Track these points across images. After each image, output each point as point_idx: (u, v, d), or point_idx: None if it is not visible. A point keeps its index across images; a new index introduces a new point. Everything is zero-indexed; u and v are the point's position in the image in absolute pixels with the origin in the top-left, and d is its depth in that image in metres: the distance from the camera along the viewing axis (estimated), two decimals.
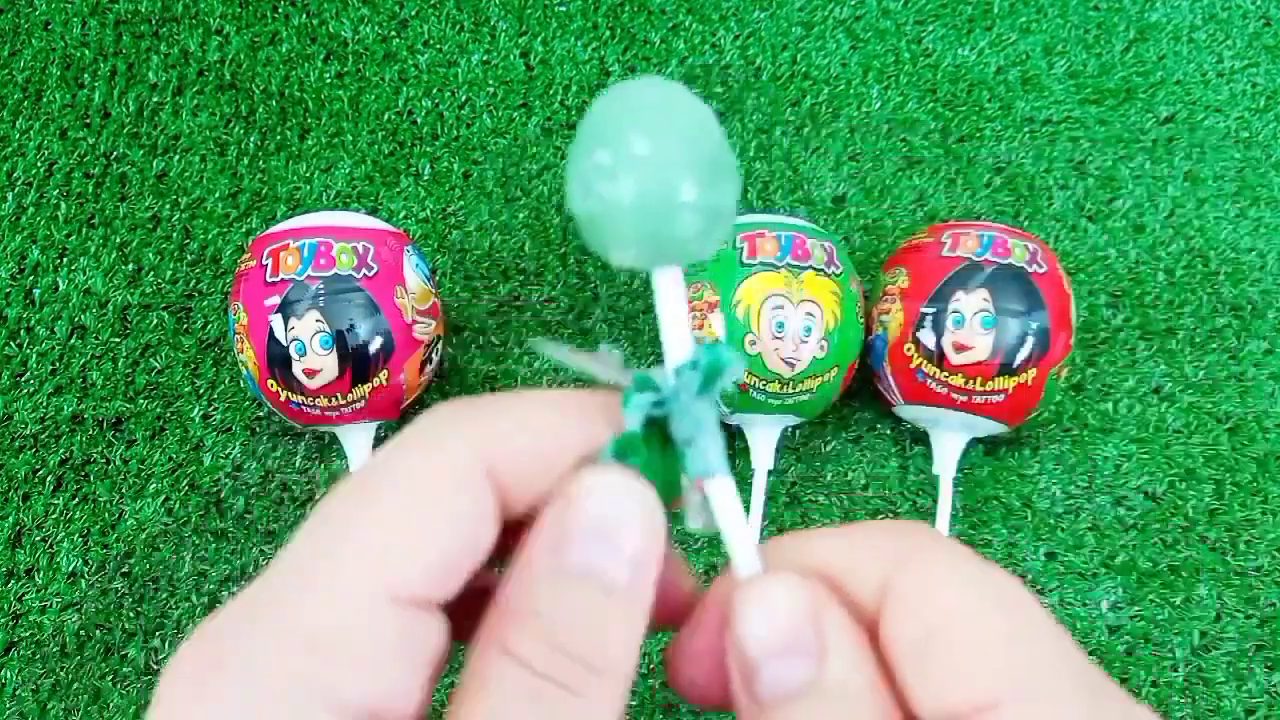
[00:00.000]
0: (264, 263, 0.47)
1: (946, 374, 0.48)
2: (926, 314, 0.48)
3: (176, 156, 0.61)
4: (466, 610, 0.17)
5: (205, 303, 0.57)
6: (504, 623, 0.16)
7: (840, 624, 0.16)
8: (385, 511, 0.16)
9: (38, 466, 0.54)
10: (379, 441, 0.53)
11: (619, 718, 0.16)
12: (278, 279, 0.47)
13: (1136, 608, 0.51)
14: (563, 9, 0.65)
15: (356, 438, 0.50)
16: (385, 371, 0.48)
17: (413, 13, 0.65)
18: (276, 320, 0.46)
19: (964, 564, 0.16)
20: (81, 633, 0.51)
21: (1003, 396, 0.48)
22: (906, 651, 0.16)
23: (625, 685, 0.17)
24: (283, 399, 0.48)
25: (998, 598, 0.16)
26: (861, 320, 0.50)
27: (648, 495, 0.17)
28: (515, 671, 0.16)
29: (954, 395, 0.48)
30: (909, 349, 0.49)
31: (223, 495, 0.53)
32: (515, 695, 0.16)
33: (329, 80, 0.63)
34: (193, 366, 0.56)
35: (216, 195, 0.60)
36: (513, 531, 0.18)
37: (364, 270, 0.47)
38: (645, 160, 0.15)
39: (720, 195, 0.16)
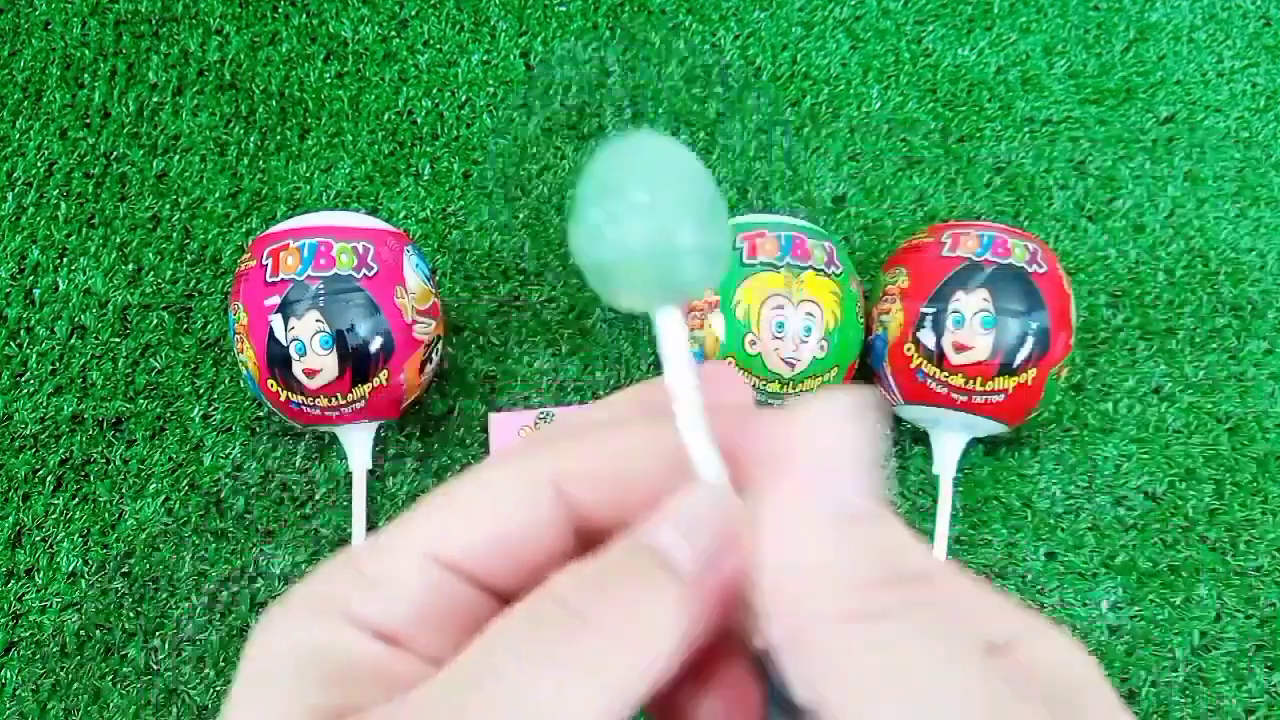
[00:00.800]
0: (264, 263, 0.47)
1: (946, 374, 0.48)
2: (926, 314, 0.48)
3: (176, 156, 0.61)
4: None
5: (205, 303, 0.57)
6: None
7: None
8: (453, 499, 0.18)
9: (38, 466, 0.54)
10: (379, 441, 0.53)
11: (631, 678, 0.16)
12: (278, 279, 0.47)
13: (1136, 608, 0.51)
14: (563, 9, 0.65)
15: (356, 438, 0.50)
16: (385, 371, 0.48)
17: (413, 13, 0.65)
18: (276, 320, 0.46)
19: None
20: (81, 633, 0.51)
21: (1003, 396, 0.48)
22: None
23: (649, 659, 0.16)
24: (283, 399, 0.48)
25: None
26: (861, 320, 0.50)
27: (736, 509, 0.18)
28: (542, 594, 0.17)
29: (954, 395, 0.48)
30: (909, 349, 0.49)
31: (223, 495, 0.53)
32: (530, 611, 0.16)
33: (329, 80, 0.63)
34: (193, 366, 0.56)
35: (216, 195, 0.60)
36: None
37: (364, 270, 0.47)
38: (650, 209, 0.17)
39: (717, 238, 0.17)
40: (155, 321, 0.57)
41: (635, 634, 0.16)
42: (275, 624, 0.18)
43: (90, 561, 0.52)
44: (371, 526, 0.52)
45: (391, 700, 0.16)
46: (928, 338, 0.48)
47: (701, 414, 0.18)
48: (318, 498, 0.53)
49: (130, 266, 0.58)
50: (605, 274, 0.17)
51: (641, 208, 0.17)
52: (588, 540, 0.19)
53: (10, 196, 0.60)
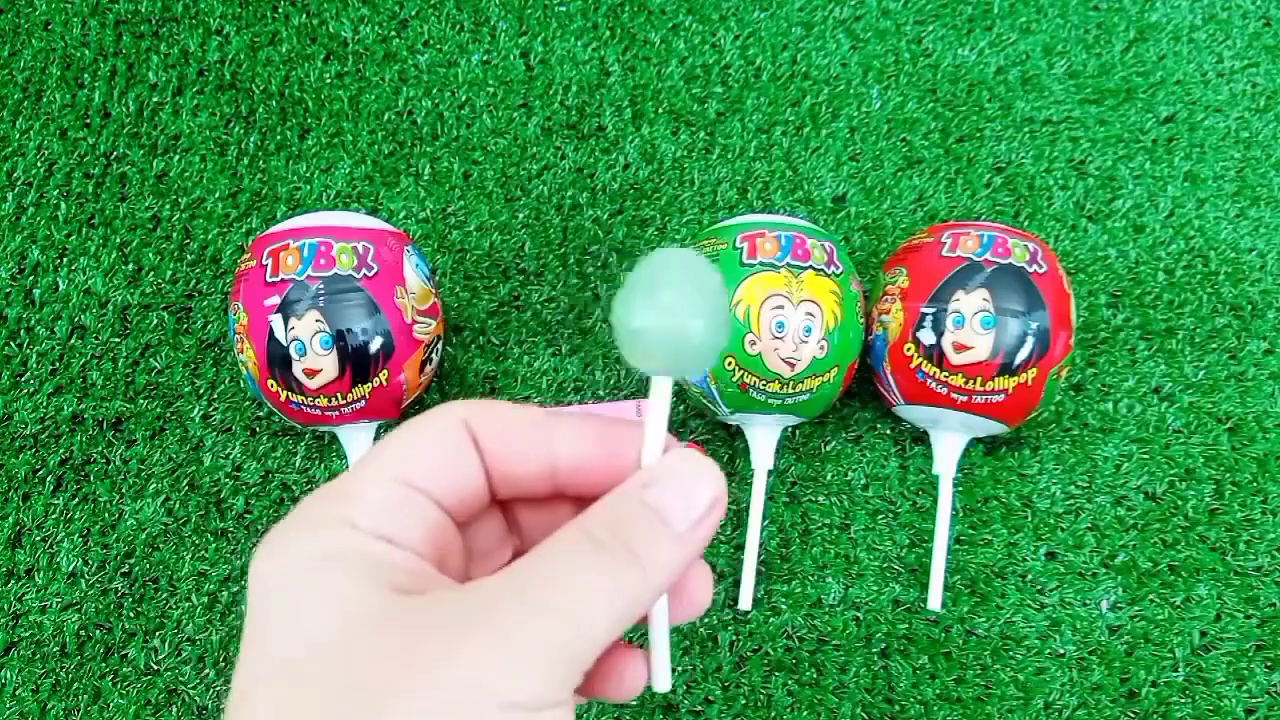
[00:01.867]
0: (264, 263, 0.47)
1: (946, 374, 0.48)
2: (926, 314, 0.48)
3: (176, 156, 0.61)
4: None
5: (205, 303, 0.57)
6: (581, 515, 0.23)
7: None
8: (399, 437, 0.23)
9: (38, 466, 0.54)
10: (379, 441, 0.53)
11: (639, 613, 0.22)
12: (278, 279, 0.47)
13: (1136, 608, 0.51)
14: (563, 9, 0.65)
15: (356, 438, 0.50)
16: (385, 371, 0.48)
17: (413, 13, 0.65)
18: (276, 320, 0.46)
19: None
20: (81, 633, 0.51)
21: (1003, 396, 0.48)
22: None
23: (654, 595, 0.22)
24: (283, 399, 0.48)
25: None
26: (861, 320, 0.50)
27: (722, 486, 0.24)
28: (575, 530, 0.22)
29: (954, 395, 0.48)
30: (909, 349, 0.49)
31: (223, 495, 0.53)
32: (569, 540, 0.22)
33: (329, 80, 0.63)
34: (193, 366, 0.56)
35: (216, 195, 0.60)
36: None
37: (364, 270, 0.47)
38: (691, 308, 0.23)
39: (722, 339, 0.24)
40: (155, 321, 0.57)
41: (643, 565, 0.22)
42: (283, 544, 0.21)
43: (90, 561, 0.52)
44: None
45: (427, 590, 0.21)
46: (928, 338, 0.48)
47: (664, 427, 0.24)
48: None
49: (130, 266, 0.58)
50: (642, 340, 0.24)
51: (686, 305, 0.23)
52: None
53: (10, 196, 0.60)
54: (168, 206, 0.59)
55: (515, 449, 0.24)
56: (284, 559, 0.21)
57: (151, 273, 0.58)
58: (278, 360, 0.47)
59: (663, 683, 0.26)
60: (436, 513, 0.23)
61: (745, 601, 0.50)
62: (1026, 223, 0.59)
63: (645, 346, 0.24)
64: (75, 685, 0.50)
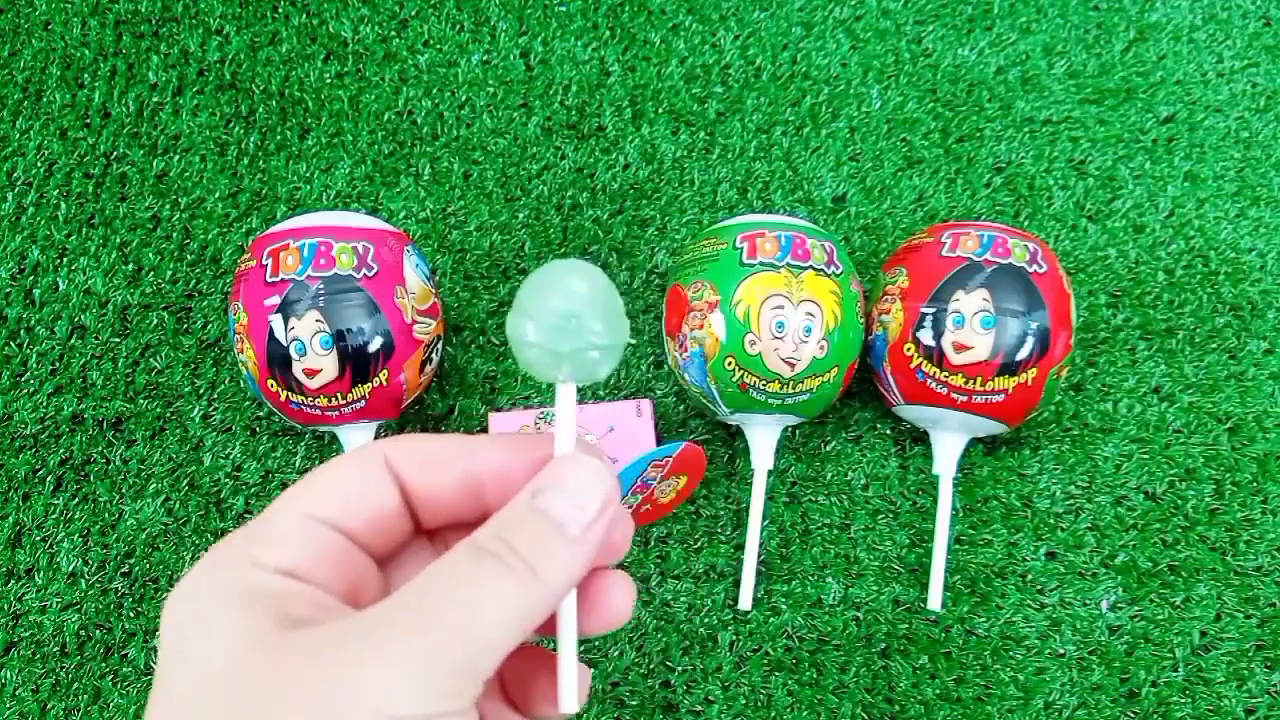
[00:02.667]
0: (264, 263, 0.47)
1: (946, 374, 0.48)
2: (926, 314, 0.48)
3: (176, 156, 0.61)
4: None
5: (205, 303, 0.57)
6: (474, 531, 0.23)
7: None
8: (315, 475, 0.24)
9: (38, 466, 0.54)
10: None
11: (536, 619, 0.22)
12: (278, 279, 0.47)
13: (1136, 608, 0.51)
14: (563, 9, 0.65)
15: (356, 437, 0.50)
16: (385, 371, 0.48)
17: (413, 13, 0.65)
18: (276, 320, 0.46)
19: None
20: (81, 633, 0.51)
21: (1003, 396, 0.48)
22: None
23: (551, 600, 0.22)
24: (283, 399, 0.48)
25: None
26: (861, 320, 0.50)
27: (613, 486, 0.24)
28: (464, 544, 0.22)
29: (954, 395, 0.48)
30: (909, 349, 0.49)
31: (223, 495, 0.53)
32: (458, 554, 0.22)
33: (329, 80, 0.63)
34: (193, 366, 0.56)
35: (216, 195, 0.60)
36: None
37: (364, 270, 0.47)
38: (583, 313, 0.24)
39: (621, 339, 0.25)
40: (155, 321, 0.57)
41: (534, 571, 0.22)
42: (189, 585, 0.22)
43: (90, 561, 0.52)
44: None
45: (327, 620, 0.21)
46: (927, 338, 0.48)
47: (572, 433, 0.25)
48: None
49: (130, 266, 0.58)
50: (529, 354, 0.24)
51: (564, 313, 0.24)
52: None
53: (10, 196, 0.60)
54: (168, 206, 0.59)
55: (435, 472, 0.24)
56: (188, 599, 0.22)
57: (151, 273, 0.58)
58: (278, 360, 0.47)
59: (569, 703, 0.25)
60: (344, 545, 0.23)
61: (745, 601, 0.50)
62: (1026, 223, 0.59)
63: (542, 357, 0.24)
64: (75, 685, 0.50)
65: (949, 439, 0.51)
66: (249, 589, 0.22)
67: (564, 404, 0.25)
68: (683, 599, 0.51)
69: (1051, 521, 0.53)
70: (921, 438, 0.54)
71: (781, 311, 0.47)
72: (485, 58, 0.64)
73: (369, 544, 0.24)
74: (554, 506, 0.23)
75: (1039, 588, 0.51)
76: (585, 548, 0.23)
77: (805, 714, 0.49)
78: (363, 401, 0.48)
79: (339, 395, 0.47)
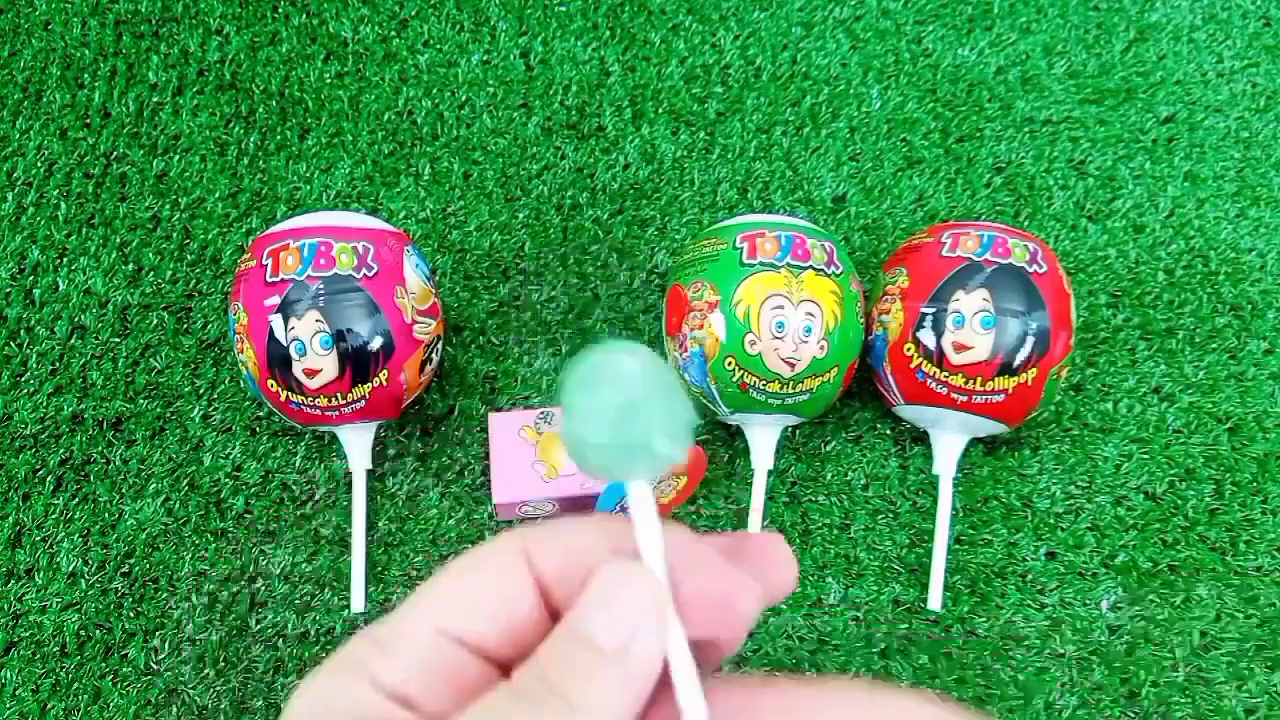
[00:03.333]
0: (264, 263, 0.47)
1: (946, 374, 0.48)
2: (926, 314, 0.48)
3: (176, 156, 0.61)
4: None
5: (205, 303, 0.57)
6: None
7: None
8: (450, 577, 0.22)
9: (38, 466, 0.54)
10: (379, 441, 0.53)
11: None
12: (278, 279, 0.47)
13: (1136, 608, 0.51)
14: (563, 9, 0.65)
15: (356, 437, 0.50)
16: (385, 371, 0.48)
17: (413, 13, 0.65)
18: (276, 320, 0.46)
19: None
20: (81, 633, 0.51)
21: (1003, 396, 0.48)
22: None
23: None
24: (283, 399, 0.48)
25: None
26: (861, 320, 0.50)
27: (650, 578, 0.21)
28: (501, 688, 0.20)
29: (954, 395, 0.48)
30: (909, 349, 0.49)
31: (223, 495, 0.53)
32: (491, 700, 0.20)
33: (329, 80, 0.63)
34: (193, 366, 0.56)
35: (216, 195, 0.60)
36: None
37: (364, 270, 0.47)
38: (650, 420, 0.21)
39: (686, 438, 0.22)
40: (155, 321, 0.57)
41: (572, 709, 0.20)
42: (306, 688, 0.22)
43: (90, 561, 0.52)
44: (371, 526, 0.52)
45: None
46: (928, 338, 0.48)
47: (658, 537, 0.22)
48: (318, 498, 0.53)
49: (130, 266, 0.58)
50: (592, 458, 0.22)
51: (627, 407, 0.21)
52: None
53: (10, 196, 0.60)
54: (168, 206, 0.59)
55: (577, 571, 0.22)
56: (306, 705, 0.21)
57: (151, 273, 0.58)
58: (278, 360, 0.47)
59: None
60: (472, 665, 0.22)
61: None
62: (1026, 223, 0.59)
63: (602, 460, 0.22)
64: (75, 685, 0.50)
65: (949, 439, 0.51)
66: (359, 715, 0.21)
67: (641, 505, 0.22)
68: None
69: (1051, 521, 0.53)
70: (921, 438, 0.54)
71: (781, 311, 0.47)
72: (485, 58, 0.64)
73: (499, 650, 0.22)
74: (591, 621, 0.20)
75: (1039, 588, 0.51)
76: (632, 667, 0.20)
77: None
78: (363, 401, 0.48)
79: (339, 395, 0.47)
